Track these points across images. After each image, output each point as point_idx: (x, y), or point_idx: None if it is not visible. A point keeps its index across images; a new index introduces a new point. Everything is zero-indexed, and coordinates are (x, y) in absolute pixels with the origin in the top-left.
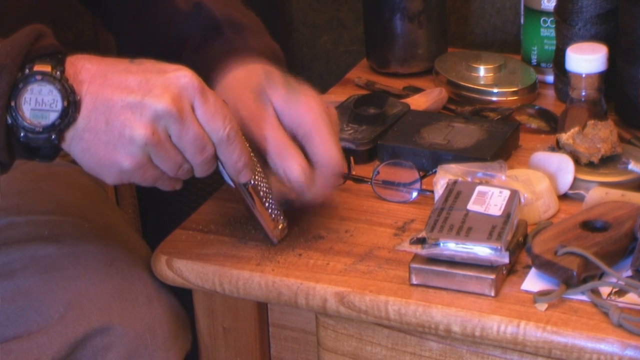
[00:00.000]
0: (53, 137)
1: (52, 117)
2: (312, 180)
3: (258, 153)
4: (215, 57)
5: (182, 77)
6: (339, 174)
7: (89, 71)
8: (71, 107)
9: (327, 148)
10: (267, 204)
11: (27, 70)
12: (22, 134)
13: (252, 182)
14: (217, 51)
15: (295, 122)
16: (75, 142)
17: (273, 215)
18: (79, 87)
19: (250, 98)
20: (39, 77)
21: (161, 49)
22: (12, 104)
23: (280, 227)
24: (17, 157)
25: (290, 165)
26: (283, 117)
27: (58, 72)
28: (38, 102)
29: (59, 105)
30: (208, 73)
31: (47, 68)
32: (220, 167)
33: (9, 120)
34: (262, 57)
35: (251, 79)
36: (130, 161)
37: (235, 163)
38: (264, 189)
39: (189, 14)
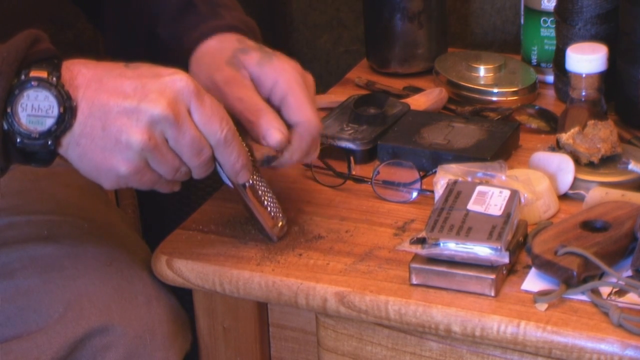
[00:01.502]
0: (49, 143)
1: (49, 123)
2: (290, 142)
3: (234, 118)
4: (189, 29)
5: (177, 81)
6: (317, 135)
7: (85, 76)
8: (67, 113)
9: (303, 109)
10: (266, 203)
11: (23, 76)
12: (18, 140)
13: (251, 182)
14: (190, 23)
15: (270, 85)
16: (72, 147)
17: (272, 214)
18: (74, 93)
19: (224, 64)
20: (35, 83)
21: (136, 24)
22: (9, 110)
23: (279, 225)
24: (13, 162)
25: (267, 127)
26: (257, 81)
27: (54, 78)
28: (34, 108)
29: (55, 111)
30: (182, 45)
31: (43, 74)
32: (218, 168)
33: (5, 126)
34: (235, 28)
35: (224, 45)
36: (127, 166)
37: (233, 164)
38: (262, 187)
39: None
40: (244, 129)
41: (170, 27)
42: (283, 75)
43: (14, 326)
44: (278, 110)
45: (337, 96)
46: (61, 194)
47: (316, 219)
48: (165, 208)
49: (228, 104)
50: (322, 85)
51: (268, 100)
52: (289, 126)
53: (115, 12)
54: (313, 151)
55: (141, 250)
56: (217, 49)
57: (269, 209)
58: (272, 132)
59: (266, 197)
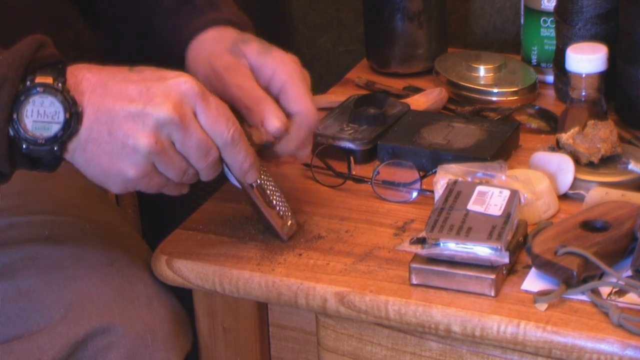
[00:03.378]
0: (55, 148)
1: (54, 129)
2: (288, 131)
3: (233, 105)
4: (187, 21)
5: (182, 83)
6: (314, 125)
7: (90, 81)
8: (73, 118)
9: (301, 98)
10: (274, 202)
11: (28, 82)
12: (24, 146)
13: (259, 182)
14: (188, 16)
15: (269, 75)
16: (79, 153)
17: (281, 213)
18: (80, 98)
19: (224, 52)
20: (40, 89)
21: (132, 17)
22: (14, 116)
23: (289, 223)
24: (19, 168)
25: (266, 113)
26: (256, 70)
27: (59, 84)
28: (40, 114)
29: (61, 117)
30: (179, 36)
31: (49, 79)
32: (226, 169)
33: (11, 133)
34: (233, 23)
35: (225, 36)
36: (134, 170)
37: (241, 164)
38: (270, 187)
39: None
40: (241, 116)
41: (167, 19)
42: (282, 65)
43: (15, 326)
44: (276, 100)
45: (337, 96)
46: (62, 194)
47: (316, 219)
48: (165, 208)
49: (227, 90)
50: (322, 85)
51: (266, 90)
52: (287, 115)
53: (111, 4)
54: (308, 143)
55: (142, 250)
56: (217, 38)
57: (277, 208)
58: (272, 119)
59: (274, 197)
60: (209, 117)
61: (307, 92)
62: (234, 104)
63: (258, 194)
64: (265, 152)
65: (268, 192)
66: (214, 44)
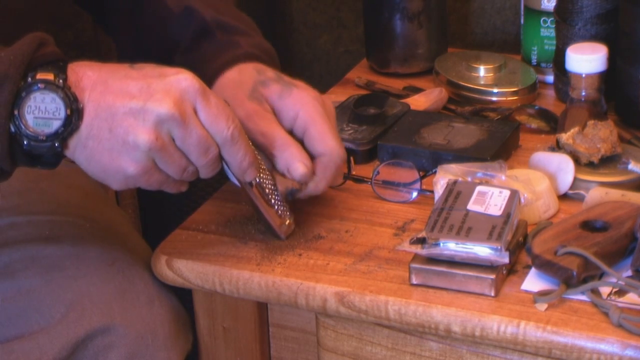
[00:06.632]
0: (56, 145)
1: (55, 125)
2: (314, 173)
3: (259, 151)
4: (206, 58)
5: (182, 80)
6: (341, 163)
7: (90, 78)
8: (74, 115)
9: (325, 139)
10: (273, 201)
11: (29, 79)
12: (25, 143)
13: (258, 180)
14: (207, 52)
15: (292, 117)
16: (79, 149)
17: (280, 212)
18: (81, 95)
19: (244, 97)
20: (41, 85)
21: (154, 52)
22: (16, 112)
23: (287, 222)
24: (20, 165)
25: (291, 159)
26: (279, 113)
27: (60, 80)
28: (41, 111)
29: (62, 113)
30: (200, 74)
31: (50, 76)
32: (225, 167)
33: (13, 129)
34: (253, 56)
35: (244, 78)
36: (135, 167)
37: (240, 162)
38: (269, 186)
39: (180, 16)
40: (270, 162)
41: (188, 57)
42: (304, 106)
43: (15, 326)
44: (301, 142)
45: (337, 96)
46: (62, 194)
47: (316, 219)
48: (165, 208)
49: (251, 138)
50: (322, 85)
51: (291, 132)
52: (313, 157)
53: (133, 40)
54: (337, 179)
55: (142, 250)
56: (237, 82)
57: (276, 207)
58: (297, 166)
59: (273, 196)
60: (209, 114)
61: (331, 131)
62: (261, 151)
63: (257, 193)
64: (293, 198)
65: (267, 190)
66: (234, 90)
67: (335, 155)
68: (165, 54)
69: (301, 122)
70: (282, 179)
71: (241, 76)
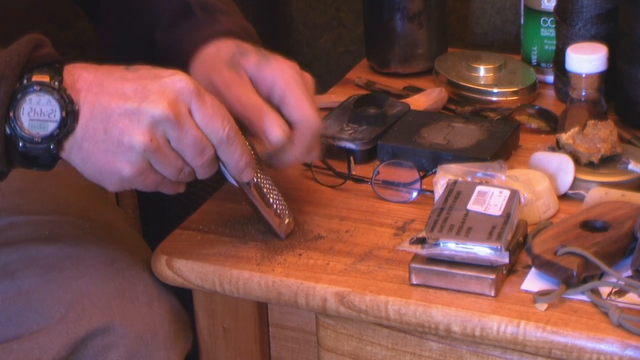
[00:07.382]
0: (52, 147)
1: (51, 127)
2: (291, 140)
3: (237, 119)
4: (187, 35)
5: (177, 81)
6: (318, 132)
7: (86, 80)
8: (69, 117)
9: (302, 107)
10: (271, 200)
11: (25, 81)
12: (20, 144)
13: (255, 180)
14: (188, 29)
15: (269, 86)
16: (75, 151)
17: (278, 211)
18: (76, 97)
19: (223, 67)
20: (37, 87)
21: (135, 29)
22: (11, 114)
23: (286, 221)
24: (15, 166)
25: (268, 125)
26: (257, 82)
27: (56, 82)
28: (36, 113)
29: (57, 115)
30: (180, 51)
31: (46, 78)
32: (222, 167)
33: (8, 131)
34: (233, 33)
35: (223, 51)
36: (130, 168)
37: (237, 163)
38: (267, 185)
39: None
40: (245, 128)
41: (168, 33)
42: (281, 75)
43: (15, 326)
44: (278, 110)
45: (337, 96)
46: (62, 194)
47: (316, 219)
48: (165, 208)
49: (228, 105)
50: (322, 85)
51: (267, 101)
52: (290, 125)
53: (114, 16)
54: (314, 149)
55: (142, 250)
56: (215, 54)
57: (274, 206)
58: (273, 130)
59: (271, 195)
60: (204, 115)
61: (307, 99)
62: (237, 117)
63: (255, 192)
64: (270, 163)
65: (265, 190)
66: (212, 60)
67: (312, 122)
68: (146, 30)
69: (278, 90)
70: (259, 146)
71: (220, 49)
